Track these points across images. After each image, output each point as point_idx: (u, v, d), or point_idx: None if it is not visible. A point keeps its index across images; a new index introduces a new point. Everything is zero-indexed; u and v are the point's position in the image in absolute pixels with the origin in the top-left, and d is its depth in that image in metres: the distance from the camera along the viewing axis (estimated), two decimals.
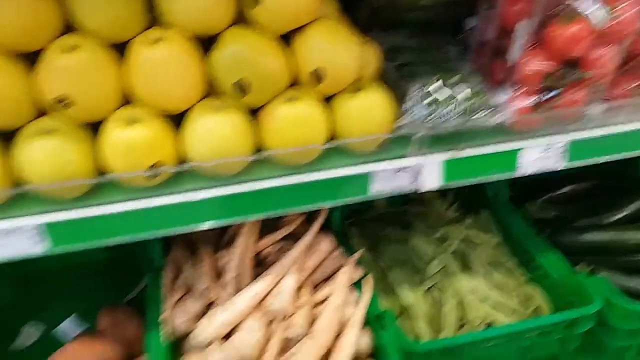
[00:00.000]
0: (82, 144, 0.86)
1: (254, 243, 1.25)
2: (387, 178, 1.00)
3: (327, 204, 1.00)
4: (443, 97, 0.93)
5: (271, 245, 1.28)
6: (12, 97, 0.81)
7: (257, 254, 1.29)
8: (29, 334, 1.44)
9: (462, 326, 1.32)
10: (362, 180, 0.99)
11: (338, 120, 0.95)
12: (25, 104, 0.83)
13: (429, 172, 1.02)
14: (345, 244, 1.38)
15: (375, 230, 1.53)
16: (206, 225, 0.94)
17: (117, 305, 1.42)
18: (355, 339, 1.15)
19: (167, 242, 1.41)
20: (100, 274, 1.59)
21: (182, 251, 1.35)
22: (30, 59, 0.84)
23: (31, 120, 0.85)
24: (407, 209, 1.56)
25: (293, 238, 1.32)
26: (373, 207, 1.64)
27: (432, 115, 0.92)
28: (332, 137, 0.98)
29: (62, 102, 0.82)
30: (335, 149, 0.98)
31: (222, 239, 1.39)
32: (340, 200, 1.01)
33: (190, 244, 1.40)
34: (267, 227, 1.32)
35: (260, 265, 1.30)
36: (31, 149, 0.83)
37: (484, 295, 1.34)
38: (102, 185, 0.90)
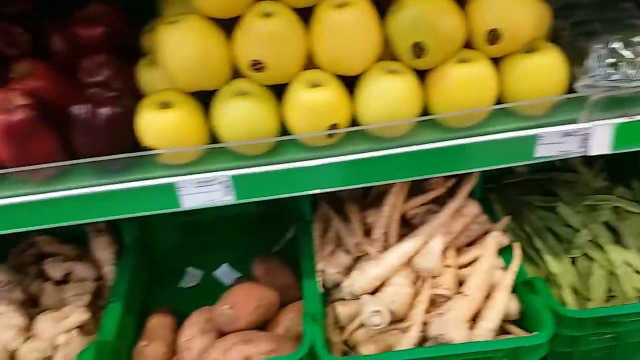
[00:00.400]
0: (270, 104, 0.94)
1: (402, 203, 1.29)
2: (554, 142, 0.99)
3: (491, 167, 1.01)
4: (626, 57, 0.89)
5: (418, 206, 1.32)
6: (215, 61, 0.90)
7: (404, 214, 1.34)
8: (193, 276, 1.62)
9: (610, 298, 1.29)
10: (528, 143, 0.99)
11: (508, 82, 0.95)
12: (224, 67, 0.93)
13: (599, 137, 0.99)
14: (484, 209, 1.38)
15: (514, 197, 1.51)
16: (373, 183, 1.00)
17: (268, 255, 1.56)
18: (505, 301, 1.17)
19: (314, 199, 1.51)
20: (250, 226, 1.73)
21: (329, 208, 1.43)
22: (227, 25, 0.93)
23: (227, 82, 0.94)
24: (551, 176, 1.51)
25: (437, 201, 1.35)
26: (512, 173, 1.61)
27: (613, 77, 0.89)
28: (498, 99, 0.98)
29: (256, 66, 0.90)
30: (501, 111, 0.98)
31: (366, 198, 1.46)
32: (504, 164, 1.02)
33: (335, 201, 1.48)
34: (413, 189, 1.36)
35: (406, 225, 1.35)
36: (227, 108, 0.93)
37: (638, 267, 1.29)
38: (283, 142, 0.99)
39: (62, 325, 1.26)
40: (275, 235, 1.70)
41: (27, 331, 1.28)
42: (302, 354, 1.08)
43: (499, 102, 0.98)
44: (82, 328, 1.30)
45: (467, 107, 0.93)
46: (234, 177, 1.00)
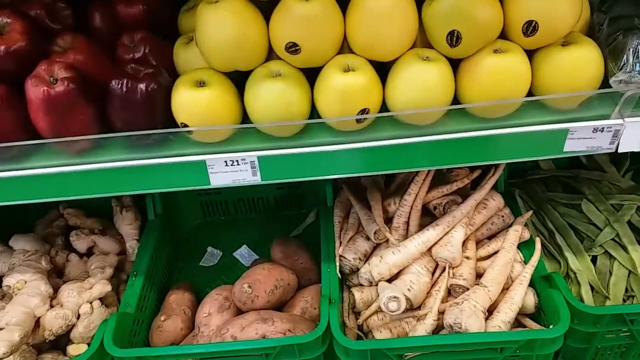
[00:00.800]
0: (303, 87, 0.95)
1: (425, 193, 1.30)
2: (584, 137, 0.99)
3: (519, 159, 1.01)
4: None
5: (440, 197, 1.33)
6: (251, 42, 0.92)
7: (426, 204, 1.35)
8: (213, 255, 1.65)
9: (628, 297, 1.28)
10: (558, 137, 0.99)
11: (542, 74, 0.95)
12: (260, 49, 0.94)
13: (629, 134, 0.98)
14: (507, 203, 1.38)
15: (538, 193, 1.51)
16: (401, 170, 1.00)
17: (287, 239, 1.58)
18: (523, 294, 1.17)
19: (336, 184, 1.53)
20: (270, 209, 1.75)
21: (351, 194, 1.45)
22: (265, 7, 0.94)
23: (262, 64, 0.96)
24: (577, 173, 1.50)
25: (461, 193, 1.35)
26: (537, 168, 1.61)
27: None
28: (530, 91, 0.98)
29: (292, 48, 0.91)
30: (533, 103, 0.98)
31: (389, 187, 1.46)
32: (532, 157, 1.02)
33: (357, 189, 1.49)
34: (437, 179, 1.36)
35: (428, 215, 1.36)
36: (260, 89, 0.94)
37: None
38: (312, 126, 1.00)
39: (86, 296, 1.29)
40: (295, 220, 1.72)
41: (52, 299, 1.32)
42: (319, 335, 1.10)
43: (530, 94, 0.98)
44: (104, 299, 1.34)
45: (499, 97, 0.93)
46: (261, 158, 1.02)
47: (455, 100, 0.99)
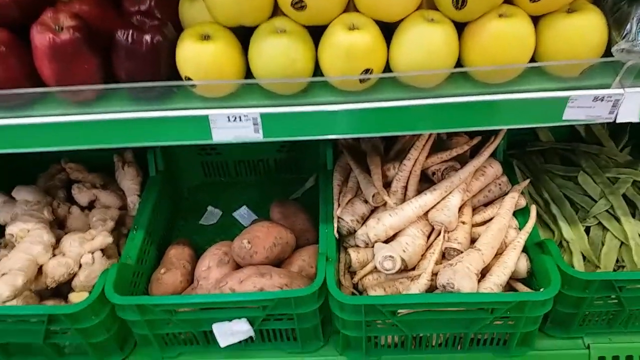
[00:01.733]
0: (307, 45, 0.95)
1: (425, 159, 1.31)
2: (584, 105, 1.00)
3: (518, 126, 1.02)
4: None
5: (439, 163, 1.34)
6: None
7: (425, 170, 1.36)
8: (213, 214, 1.67)
9: (619, 268, 1.31)
10: (558, 105, 1.00)
11: (545, 41, 0.95)
12: (265, 4, 0.94)
13: (629, 104, 0.99)
14: (505, 173, 1.39)
15: (536, 164, 1.53)
16: (402, 133, 1.01)
17: (286, 201, 1.60)
18: (516, 259, 1.20)
19: (336, 148, 1.54)
20: (270, 172, 1.77)
21: (350, 159, 1.46)
22: None
23: (267, 19, 0.96)
24: (575, 146, 1.52)
25: (460, 160, 1.37)
26: (535, 140, 1.62)
27: None
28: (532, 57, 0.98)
29: (297, 4, 0.91)
30: (534, 70, 0.99)
31: (388, 153, 1.48)
32: (532, 124, 1.03)
33: (357, 153, 1.51)
34: (436, 146, 1.37)
35: (426, 181, 1.37)
36: (264, 45, 0.95)
37: None
38: (315, 85, 1.01)
39: (87, 246, 1.32)
40: (294, 184, 1.74)
41: (54, 249, 1.34)
42: (315, 290, 1.13)
43: (533, 60, 0.98)
44: (104, 251, 1.36)
45: (502, 62, 0.93)
46: (263, 115, 1.03)
47: (458, 64, 1.00)
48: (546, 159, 1.55)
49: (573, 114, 1.01)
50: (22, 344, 1.26)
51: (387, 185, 1.38)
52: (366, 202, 1.37)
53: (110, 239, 1.34)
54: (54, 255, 1.32)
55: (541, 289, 1.13)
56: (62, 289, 1.36)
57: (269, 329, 1.23)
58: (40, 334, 1.19)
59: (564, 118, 1.01)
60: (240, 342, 1.24)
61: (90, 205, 1.54)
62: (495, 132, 1.36)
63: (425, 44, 0.92)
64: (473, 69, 0.95)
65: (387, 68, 0.99)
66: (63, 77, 0.98)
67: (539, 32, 0.96)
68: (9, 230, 1.35)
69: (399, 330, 1.18)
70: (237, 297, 1.15)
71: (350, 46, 0.91)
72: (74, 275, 1.31)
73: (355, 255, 1.31)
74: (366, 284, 1.29)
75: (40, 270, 1.29)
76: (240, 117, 1.04)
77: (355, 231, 1.35)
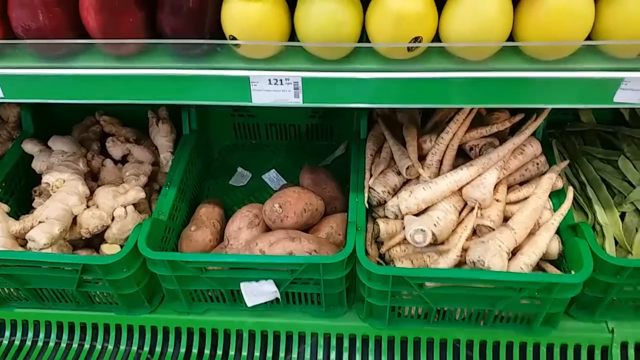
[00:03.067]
0: (355, 8, 0.93)
1: (464, 133, 1.29)
2: (637, 88, 0.96)
3: (567, 106, 0.99)
4: None
5: (478, 138, 1.32)
6: None
7: (462, 145, 1.34)
8: (243, 175, 1.68)
9: None
10: (610, 86, 0.96)
11: (603, 18, 0.91)
12: None
13: None
14: (544, 153, 1.37)
15: (575, 145, 1.49)
16: (447, 106, 0.99)
17: (316, 166, 1.60)
18: (548, 240, 1.19)
19: (370, 117, 1.52)
20: (300, 137, 1.76)
21: (385, 129, 1.44)
22: None
23: None
24: (617, 129, 1.48)
25: (499, 137, 1.34)
26: (576, 121, 1.58)
27: None
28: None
29: None
30: (589, 48, 0.95)
31: (425, 123, 1.46)
32: (580, 104, 0.99)
33: (392, 123, 1.49)
34: (476, 122, 1.34)
35: (461, 155, 1.36)
36: (313, 6, 0.92)
37: None
38: (360, 50, 0.98)
39: (120, 200, 1.34)
40: (324, 151, 1.73)
41: (88, 200, 1.37)
42: (344, 257, 1.14)
43: (588, 38, 0.94)
44: (136, 205, 1.39)
45: (557, 39, 0.90)
46: (305, 80, 1.01)
47: (509, 39, 0.96)
48: (585, 141, 1.51)
49: (625, 97, 0.98)
50: (54, 290, 1.30)
51: (421, 158, 1.36)
52: (399, 173, 1.36)
53: (143, 194, 1.36)
54: (87, 206, 1.35)
55: (572, 272, 1.12)
56: (94, 240, 1.39)
57: (295, 292, 1.25)
58: (74, 282, 1.23)
59: (615, 100, 0.98)
60: (265, 302, 1.26)
61: (123, 160, 1.55)
62: (536, 111, 1.33)
63: (479, 15, 0.88)
64: (528, 44, 0.91)
65: (436, 38, 0.97)
66: (108, 30, 0.97)
67: (597, 8, 0.92)
68: (45, 179, 1.37)
69: (423, 303, 1.18)
70: (267, 259, 1.17)
71: (400, 12, 0.88)
72: (107, 227, 1.34)
73: (384, 226, 1.31)
74: (393, 255, 1.30)
75: (74, 220, 1.32)
76: (281, 80, 1.03)
77: (385, 202, 1.34)
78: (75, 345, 1.37)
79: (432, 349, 1.29)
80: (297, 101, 1.05)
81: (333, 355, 1.31)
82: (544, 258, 1.24)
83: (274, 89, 1.04)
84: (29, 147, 1.50)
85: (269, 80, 1.03)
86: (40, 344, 1.39)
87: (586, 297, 1.21)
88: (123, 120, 1.66)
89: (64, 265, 1.20)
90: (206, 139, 1.69)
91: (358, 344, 1.30)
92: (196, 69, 1.01)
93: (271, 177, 1.68)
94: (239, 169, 1.70)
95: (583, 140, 1.51)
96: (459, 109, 1.31)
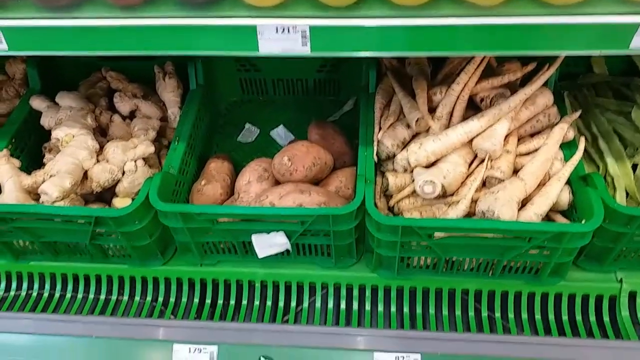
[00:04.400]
0: None
1: (474, 84, 1.27)
2: None
3: (581, 52, 0.96)
4: None
5: (489, 89, 1.29)
6: None
7: (473, 96, 1.32)
8: (250, 132, 1.68)
9: None
10: (626, 32, 0.93)
11: None
12: None
13: None
14: (556, 104, 1.34)
15: (587, 97, 1.46)
16: (457, 54, 0.97)
17: (324, 122, 1.59)
18: (559, 190, 1.18)
19: (379, 71, 1.50)
20: (308, 92, 1.75)
21: (395, 81, 1.42)
22: None
23: None
24: (630, 81, 1.45)
25: (510, 87, 1.32)
26: (588, 72, 1.55)
27: None
28: None
29: None
30: None
31: (435, 75, 1.43)
32: (595, 50, 0.97)
33: (401, 75, 1.46)
34: (486, 73, 1.32)
35: (473, 109, 1.34)
36: None
37: None
38: None
39: (130, 154, 1.35)
40: (332, 106, 1.72)
41: (98, 155, 1.37)
42: (353, 209, 1.14)
43: None
44: (146, 160, 1.39)
45: None
46: (313, 28, 0.99)
47: None
48: (598, 93, 1.49)
49: None
50: (68, 244, 1.33)
51: (431, 111, 1.35)
52: (408, 127, 1.35)
53: (152, 148, 1.36)
54: (98, 161, 1.35)
55: (582, 221, 1.12)
56: (105, 195, 1.41)
57: (305, 243, 1.26)
58: (87, 234, 1.25)
59: (631, 47, 0.95)
60: (276, 254, 1.28)
61: (131, 115, 1.55)
62: (548, 61, 1.30)
63: None
64: None
65: None
66: None
67: None
68: (54, 134, 1.38)
69: (432, 253, 1.20)
70: (278, 211, 1.18)
71: None
72: (118, 181, 1.35)
73: (392, 180, 1.31)
74: (402, 208, 1.30)
75: (85, 175, 1.33)
76: (288, 29, 1.01)
77: (394, 156, 1.34)
78: (91, 296, 1.41)
79: (440, 299, 1.32)
80: (305, 50, 1.03)
81: (343, 304, 1.33)
82: (554, 209, 1.23)
83: (281, 38, 1.02)
84: (37, 103, 1.50)
85: (276, 29, 1.01)
86: (57, 295, 1.42)
87: (595, 247, 1.21)
88: (129, 76, 1.65)
89: (76, 217, 1.21)
90: (213, 95, 1.68)
91: (367, 293, 1.33)
92: (202, 17, 1.00)
93: (279, 133, 1.68)
94: (247, 125, 1.69)
95: (595, 92, 1.48)
96: (470, 60, 1.28)
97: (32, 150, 1.50)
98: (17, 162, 1.34)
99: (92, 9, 1.03)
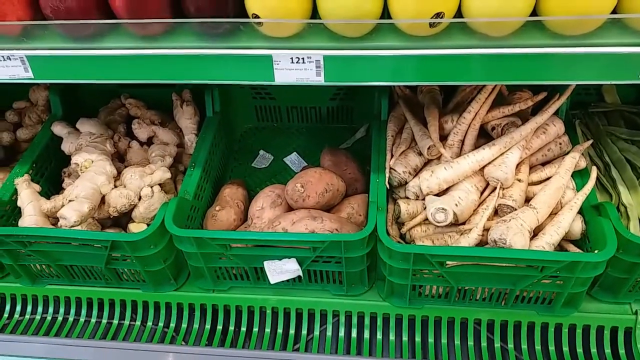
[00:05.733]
0: None
1: (486, 112, 1.29)
2: None
3: (591, 82, 0.98)
4: None
5: (500, 117, 1.31)
6: None
7: (484, 125, 1.34)
8: (265, 158, 1.70)
9: None
10: (636, 62, 0.95)
11: None
12: None
13: None
14: (567, 133, 1.35)
15: (599, 126, 1.47)
16: (469, 83, 0.99)
17: (337, 148, 1.61)
18: (571, 219, 1.18)
19: (391, 99, 1.52)
20: (321, 120, 1.77)
21: (406, 109, 1.44)
22: None
23: None
24: None
25: (521, 116, 1.33)
26: (600, 101, 1.56)
27: None
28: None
29: None
30: (613, 22, 0.94)
31: (447, 104, 1.45)
32: (605, 80, 0.98)
33: (412, 104, 1.49)
34: (498, 102, 1.34)
35: (484, 135, 1.35)
36: None
37: None
38: (382, 27, 0.99)
39: (147, 180, 1.37)
40: (345, 133, 1.74)
41: (116, 180, 1.40)
42: (365, 235, 1.15)
43: (613, 12, 0.93)
44: (162, 186, 1.42)
45: (581, 12, 0.89)
46: (327, 58, 1.02)
47: (532, 14, 0.95)
48: (609, 121, 1.49)
49: None
50: (84, 268, 1.35)
51: (442, 138, 1.36)
52: (420, 154, 1.36)
53: (168, 174, 1.39)
54: (115, 186, 1.38)
55: (595, 251, 1.11)
56: (122, 220, 1.43)
57: (317, 270, 1.27)
58: (103, 258, 1.27)
59: None
60: (288, 280, 1.29)
61: (149, 141, 1.59)
62: (559, 90, 1.31)
63: None
64: (552, 18, 0.90)
65: (458, 14, 0.96)
66: (134, 10, 0.99)
67: None
68: (74, 159, 1.41)
69: (444, 282, 1.19)
70: (290, 237, 1.19)
71: None
72: (134, 206, 1.38)
73: (405, 207, 1.32)
74: (414, 235, 1.31)
75: (102, 199, 1.35)
76: (303, 59, 1.04)
77: (406, 183, 1.35)
78: (104, 321, 1.42)
79: (452, 329, 1.30)
80: (319, 79, 1.06)
81: (354, 333, 1.33)
82: (567, 238, 1.23)
83: (296, 68, 1.05)
84: (58, 129, 1.54)
85: (291, 59, 1.04)
86: (70, 319, 1.44)
87: (609, 278, 1.20)
88: (148, 103, 1.69)
89: (93, 242, 1.23)
90: (229, 122, 1.71)
91: (379, 323, 1.32)
92: (220, 48, 1.03)
93: (292, 160, 1.70)
94: (261, 152, 1.72)
95: (607, 120, 1.49)
96: (481, 89, 1.30)
97: (52, 174, 1.54)
98: (37, 187, 1.38)
99: (115, 38, 1.07)
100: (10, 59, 1.07)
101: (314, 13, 1.00)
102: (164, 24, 1.03)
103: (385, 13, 0.98)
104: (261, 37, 1.03)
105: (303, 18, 0.99)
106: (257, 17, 0.98)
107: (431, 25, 0.94)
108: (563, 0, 0.90)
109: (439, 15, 0.92)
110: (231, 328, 1.37)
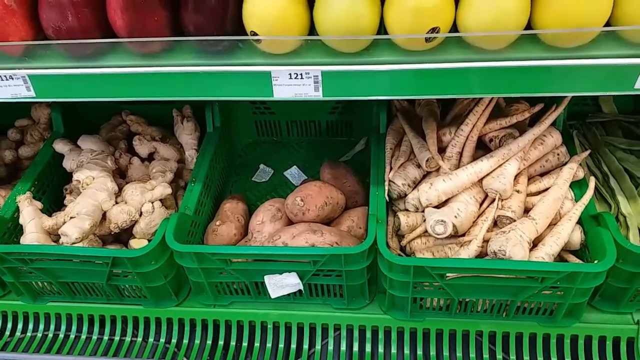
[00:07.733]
0: (374, 1, 0.95)
1: (483, 124, 1.30)
2: None
3: (586, 93, 0.99)
4: None
5: (498, 129, 1.32)
6: None
7: (482, 137, 1.35)
8: (265, 172, 1.71)
9: None
10: (630, 73, 0.96)
11: (622, 3, 0.91)
12: None
13: None
14: (565, 143, 1.36)
15: (597, 136, 1.48)
16: (466, 96, 1.00)
17: (336, 162, 1.61)
18: (570, 230, 1.18)
19: (389, 112, 1.54)
20: (321, 134, 1.79)
21: (405, 122, 1.45)
22: None
23: None
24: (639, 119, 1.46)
25: (519, 128, 1.34)
26: (597, 112, 1.57)
27: None
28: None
29: None
30: (607, 34, 0.95)
31: (444, 116, 1.46)
32: (600, 91, 0.99)
33: (411, 116, 1.50)
34: (495, 114, 1.35)
35: (482, 149, 1.36)
36: (331, 1, 0.94)
37: None
38: (378, 42, 1.00)
39: (148, 196, 1.38)
40: (344, 147, 1.76)
41: (117, 197, 1.41)
42: (365, 249, 1.15)
43: (607, 24, 0.94)
44: (163, 201, 1.43)
45: (575, 25, 0.90)
46: (324, 73, 1.03)
47: (527, 27, 0.97)
48: (607, 131, 1.50)
49: None
50: (86, 284, 1.35)
51: (441, 151, 1.37)
52: (418, 166, 1.37)
53: (169, 190, 1.40)
54: (116, 202, 1.39)
55: (595, 261, 1.11)
56: (123, 236, 1.44)
57: (318, 284, 1.27)
58: (104, 275, 1.27)
59: (635, 87, 0.98)
60: (289, 295, 1.29)
61: (150, 158, 1.60)
62: (556, 101, 1.32)
63: (496, 3, 0.89)
64: (547, 31, 0.92)
65: (453, 28, 0.98)
66: (134, 29, 1.01)
67: None
68: (75, 176, 1.42)
69: (445, 294, 1.19)
70: (290, 251, 1.19)
71: (418, 3, 0.90)
72: (135, 222, 1.38)
73: (404, 219, 1.32)
74: (414, 248, 1.31)
75: (104, 216, 1.36)
76: (301, 75, 1.05)
77: (405, 195, 1.35)
78: (105, 338, 1.42)
79: (454, 341, 1.30)
80: (317, 95, 1.07)
81: (356, 347, 1.32)
82: (566, 248, 1.23)
83: (295, 83, 1.06)
84: (60, 146, 1.55)
85: (290, 74, 1.05)
86: (72, 337, 1.44)
87: (610, 288, 1.20)
88: (148, 119, 1.70)
89: (94, 258, 1.24)
90: (229, 137, 1.72)
91: (380, 336, 1.32)
92: (219, 65, 1.04)
93: (292, 173, 1.71)
94: (261, 166, 1.73)
95: (605, 130, 1.50)
96: (478, 101, 1.31)
97: (54, 191, 1.55)
98: (39, 205, 1.38)
99: (115, 57, 1.08)
100: (12, 78, 1.09)
101: (312, 30, 1.02)
102: (164, 42, 1.05)
103: (382, 29, 0.99)
104: (260, 54, 1.05)
105: (301, 34, 1.01)
106: (255, 34, 0.99)
107: (427, 40, 0.95)
108: (557, 12, 0.91)
109: (434, 30, 0.93)
110: (232, 343, 1.36)
